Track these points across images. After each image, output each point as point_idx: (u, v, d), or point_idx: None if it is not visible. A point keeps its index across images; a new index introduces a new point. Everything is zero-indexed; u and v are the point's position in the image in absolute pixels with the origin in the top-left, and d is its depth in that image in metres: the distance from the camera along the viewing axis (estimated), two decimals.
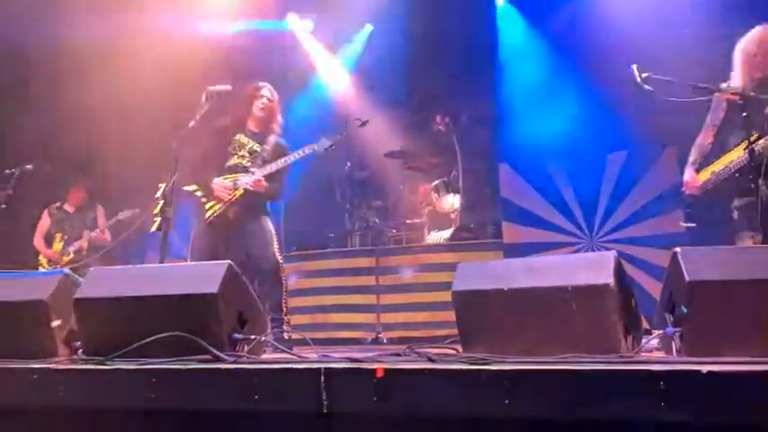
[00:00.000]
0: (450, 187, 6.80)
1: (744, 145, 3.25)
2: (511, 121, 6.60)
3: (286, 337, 3.75)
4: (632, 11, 5.68)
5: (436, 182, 6.79)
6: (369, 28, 7.36)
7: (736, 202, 3.43)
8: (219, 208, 3.88)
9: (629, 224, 5.56)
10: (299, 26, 7.24)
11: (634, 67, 3.25)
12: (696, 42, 4.99)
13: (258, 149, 4.00)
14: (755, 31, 3.50)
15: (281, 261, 3.91)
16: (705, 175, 3.53)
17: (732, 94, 3.18)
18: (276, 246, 3.92)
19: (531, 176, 5.94)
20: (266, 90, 4.07)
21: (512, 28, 6.94)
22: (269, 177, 3.93)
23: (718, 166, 3.47)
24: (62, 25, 5.79)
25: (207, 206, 3.91)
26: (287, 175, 4.11)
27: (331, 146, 3.96)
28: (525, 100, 6.45)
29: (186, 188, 3.96)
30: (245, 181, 3.88)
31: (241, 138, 4.02)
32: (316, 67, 7.39)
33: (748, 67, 3.45)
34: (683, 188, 3.62)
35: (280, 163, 3.92)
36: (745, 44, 3.50)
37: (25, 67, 5.91)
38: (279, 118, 4.11)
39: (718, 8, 4.90)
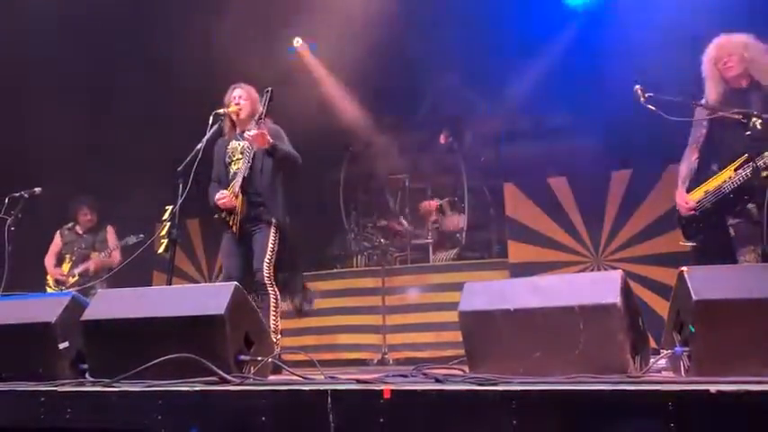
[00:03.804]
0: (455, 206, 6.81)
1: (735, 165, 3.28)
2: (515, 140, 6.62)
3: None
4: (637, 26, 5.68)
5: (442, 201, 6.80)
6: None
7: (730, 221, 3.42)
8: (234, 217, 3.93)
9: (634, 243, 5.55)
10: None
11: (637, 87, 3.27)
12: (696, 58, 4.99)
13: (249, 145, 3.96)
14: (717, 39, 3.51)
15: (268, 273, 3.87)
16: (698, 194, 3.51)
17: (736, 113, 3.18)
18: (268, 257, 3.89)
19: (537, 195, 5.95)
20: (237, 90, 4.06)
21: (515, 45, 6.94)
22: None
23: (712, 185, 3.45)
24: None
25: (228, 220, 3.96)
26: (286, 141, 4.03)
27: None
28: (529, 119, 6.46)
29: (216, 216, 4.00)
30: (245, 142, 3.89)
31: (233, 144, 4.05)
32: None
33: (719, 77, 3.45)
34: (678, 208, 3.63)
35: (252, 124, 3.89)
36: (709, 53, 3.50)
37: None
38: (259, 107, 3.98)
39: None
